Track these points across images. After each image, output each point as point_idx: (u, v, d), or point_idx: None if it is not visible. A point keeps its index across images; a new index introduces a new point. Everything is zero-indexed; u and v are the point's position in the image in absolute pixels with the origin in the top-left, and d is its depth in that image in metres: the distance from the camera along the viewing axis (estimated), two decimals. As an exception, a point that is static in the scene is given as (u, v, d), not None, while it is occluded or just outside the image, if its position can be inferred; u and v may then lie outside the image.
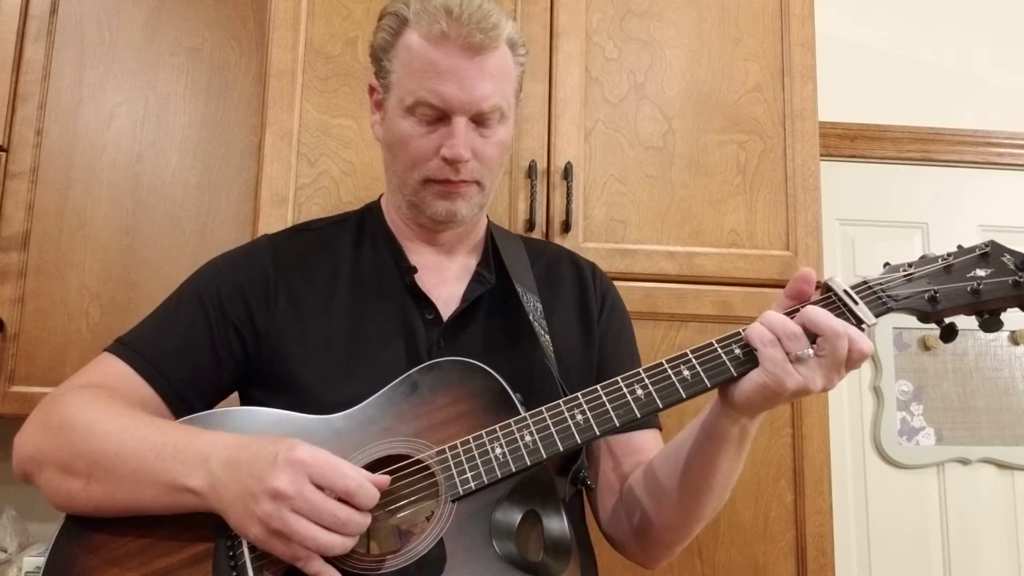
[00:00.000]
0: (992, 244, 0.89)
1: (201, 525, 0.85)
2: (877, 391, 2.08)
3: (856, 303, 0.86)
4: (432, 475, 0.86)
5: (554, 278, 1.13)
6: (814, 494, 1.47)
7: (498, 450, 0.85)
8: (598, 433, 0.86)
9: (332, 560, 0.79)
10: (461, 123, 0.98)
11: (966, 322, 0.88)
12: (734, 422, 0.88)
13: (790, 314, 0.85)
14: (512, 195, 1.51)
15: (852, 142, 2.15)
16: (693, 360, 0.86)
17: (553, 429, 0.86)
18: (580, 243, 1.50)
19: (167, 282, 1.69)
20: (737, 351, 0.85)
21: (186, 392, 0.99)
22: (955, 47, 2.25)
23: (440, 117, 0.98)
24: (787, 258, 1.54)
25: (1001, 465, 2.09)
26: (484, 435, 0.87)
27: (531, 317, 1.03)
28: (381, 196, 1.17)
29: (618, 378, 0.88)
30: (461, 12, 0.95)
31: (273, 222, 1.43)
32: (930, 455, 2.07)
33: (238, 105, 1.81)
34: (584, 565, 0.95)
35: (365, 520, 0.80)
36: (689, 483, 0.94)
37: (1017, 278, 0.85)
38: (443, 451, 0.87)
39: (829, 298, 0.87)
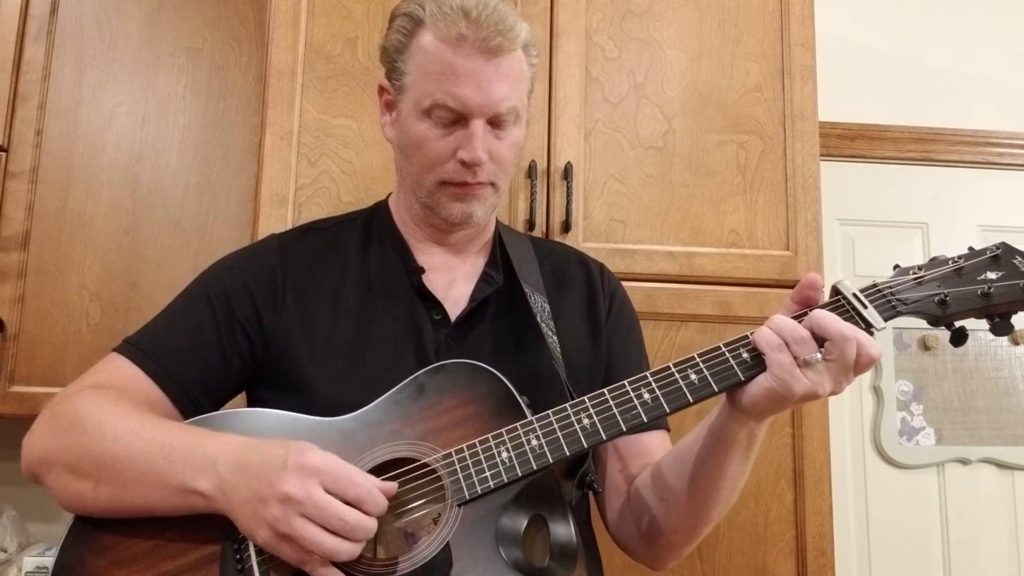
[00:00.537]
0: (1003, 246, 0.88)
1: (208, 527, 0.85)
2: (877, 391, 2.08)
3: (865, 307, 0.85)
4: (439, 478, 0.86)
5: (562, 278, 1.13)
6: (814, 494, 1.47)
7: (504, 454, 0.85)
8: (604, 438, 0.85)
9: (339, 564, 0.79)
10: (479, 126, 0.97)
11: (969, 323, 0.88)
12: (742, 425, 0.88)
13: (798, 318, 0.84)
14: (512, 195, 1.51)
15: (852, 142, 2.15)
16: (700, 364, 0.86)
17: (560, 433, 0.86)
18: (580, 243, 1.50)
19: (167, 282, 1.71)
20: (745, 355, 0.85)
21: (194, 393, 0.99)
22: (955, 47, 2.25)
23: (457, 120, 0.98)
24: (787, 258, 1.54)
25: (1001, 465, 2.09)
26: (491, 439, 0.86)
27: (539, 318, 1.03)
28: (389, 195, 1.16)
29: (625, 382, 0.87)
30: (479, 14, 0.94)
31: (273, 222, 1.43)
32: (930, 455, 2.07)
33: (238, 105, 1.81)
34: (590, 569, 0.95)
35: (373, 526, 0.80)
36: (697, 486, 0.93)
37: None
38: (449, 455, 0.87)
39: (838, 301, 0.86)
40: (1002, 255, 0.87)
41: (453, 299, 1.05)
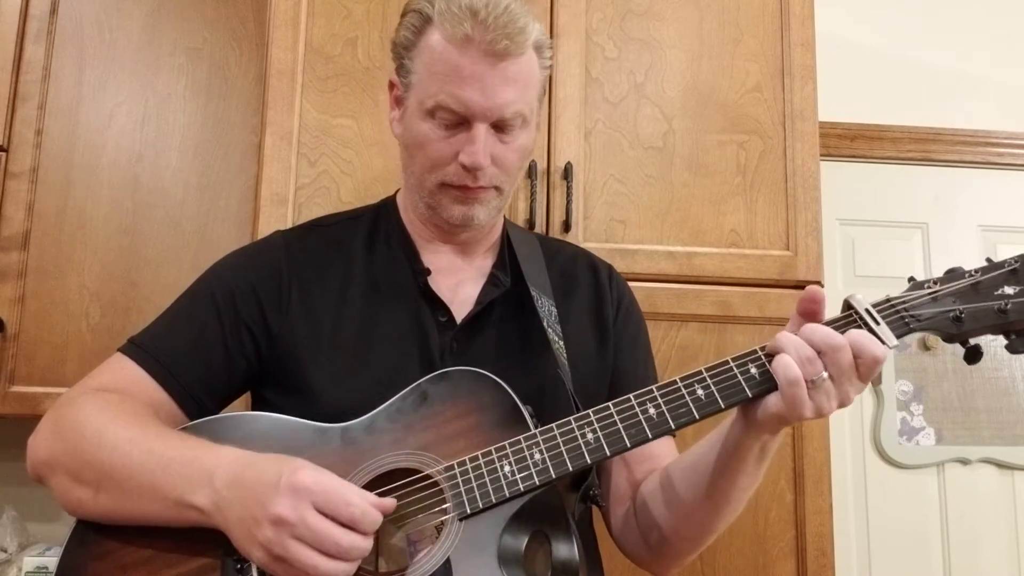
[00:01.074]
0: (1022, 260, 0.85)
1: (210, 537, 0.84)
2: (877, 391, 2.08)
3: (878, 323, 0.83)
4: (441, 490, 0.85)
5: (570, 281, 1.11)
6: (814, 494, 1.47)
7: (507, 467, 0.84)
8: (608, 453, 0.84)
9: None
10: (481, 130, 0.95)
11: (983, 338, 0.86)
12: (756, 439, 0.86)
13: None
14: (512, 195, 1.51)
15: (852, 142, 2.15)
16: (708, 379, 0.84)
17: (563, 448, 0.84)
18: (580, 243, 1.49)
19: (167, 282, 1.72)
20: (753, 371, 0.83)
21: (198, 393, 0.98)
22: (955, 47, 2.24)
23: (460, 122, 0.96)
24: (787, 258, 1.54)
25: (1001, 465, 2.09)
26: (493, 451, 0.85)
27: (545, 323, 1.01)
28: (397, 192, 1.14)
29: (631, 396, 0.86)
30: (487, 14, 0.92)
31: (273, 222, 1.43)
32: (930, 455, 2.07)
33: (238, 105, 1.81)
34: None
35: (367, 546, 0.79)
36: (707, 496, 0.92)
37: None
38: (452, 467, 0.85)
39: (849, 316, 0.84)
40: (1020, 269, 0.84)
41: (459, 301, 1.04)
